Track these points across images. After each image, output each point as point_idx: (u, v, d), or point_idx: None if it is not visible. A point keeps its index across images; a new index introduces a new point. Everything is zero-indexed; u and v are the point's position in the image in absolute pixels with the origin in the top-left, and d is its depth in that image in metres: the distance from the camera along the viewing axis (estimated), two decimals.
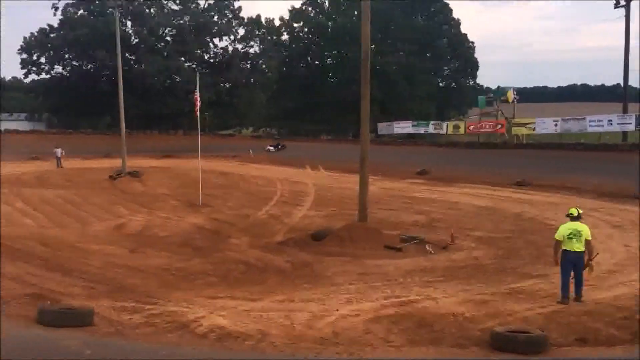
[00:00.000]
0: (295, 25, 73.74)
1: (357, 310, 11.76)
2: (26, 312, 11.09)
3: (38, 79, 67.17)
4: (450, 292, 13.03)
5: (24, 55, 63.63)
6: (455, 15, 73.87)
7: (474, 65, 75.56)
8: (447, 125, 57.72)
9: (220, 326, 10.67)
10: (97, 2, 63.53)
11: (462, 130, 56.03)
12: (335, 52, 72.34)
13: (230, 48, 70.14)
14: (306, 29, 74.15)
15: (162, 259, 17.74)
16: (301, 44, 74.69)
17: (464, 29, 74.60)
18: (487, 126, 53.66)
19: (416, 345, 9.64)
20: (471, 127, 55.60)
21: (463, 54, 73.62)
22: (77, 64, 66.44)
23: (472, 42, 74.57)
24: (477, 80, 77.57)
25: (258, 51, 71.62)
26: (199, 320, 11.10)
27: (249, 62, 70.73)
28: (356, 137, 23.97)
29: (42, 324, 10.23)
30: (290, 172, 39.92)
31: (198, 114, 29.04)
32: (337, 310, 11.80)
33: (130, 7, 62.94)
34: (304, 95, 71.99)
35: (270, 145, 55.03)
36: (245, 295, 13.65)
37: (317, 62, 75.44)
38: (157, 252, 18.77)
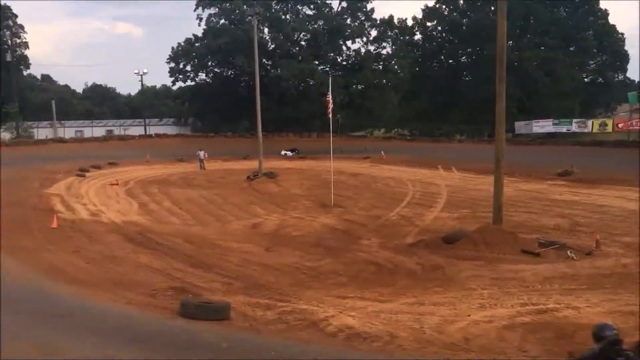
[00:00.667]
0: (429, 24, 72.61)
1: (491, 316, 11.34)
2: (170, 304, 11.88)
3: (184, 86, 71.71)
4: (594, 302, 12.16)
5: (172, 64, 68.24)
6: (602, 5, 68.96)
7: (623, 58, 69.94)
8: (592, 123, 54.06)
9: (349, 326, 10.76)
10: (237, 11, 66.60)
11: (609, 128, 52.18)
12: (470, 49, 70.28)
13: (363, 50, 70.56)
14: (440, 28, 72.74)
15: (295, 258, 18.22)
16: (434, 43, 73.39)
17: (612, 19, 69.50)
18: (638, 124, 49.55)
19: (554, 356, 9.09)
20: (620, 125, 51.66)
21: (611, 46, 68.39)
22: (218, 71, 70.13)
23: (622, 34, 69.12)
24: (627, 75, 71.80)
25: (390, 52, 71.42)
26: (328, 319, 11.26)
27: (381, 63, 70.70)
28: (491, 137, 23.12)
29: (183, 315, 10.91)
30: (423, 173, 39.38)
31: (330, 116, 29.50)
32: (469, 315, 11.45)
33: (268, 14, 65.35)
34: (438, 95, 70.65)
35: (287, 150, 54.93)
36: (374, 296, 13.65)
37: (451, 61, 73.73)
38: (290, 251, 19.31)
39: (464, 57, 73.08)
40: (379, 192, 32.28)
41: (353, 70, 69.02)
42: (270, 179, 37.33)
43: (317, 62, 69.19)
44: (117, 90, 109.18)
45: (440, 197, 29.71)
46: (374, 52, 71.02)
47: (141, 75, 69.65)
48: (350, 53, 71.40)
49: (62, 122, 68.21)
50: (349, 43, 70.56)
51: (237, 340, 9.57)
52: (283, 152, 53.72)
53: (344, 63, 71.77)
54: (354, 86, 68.30)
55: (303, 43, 69.84)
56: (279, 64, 65.24)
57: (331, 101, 29.73)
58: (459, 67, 72.96)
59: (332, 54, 70.42)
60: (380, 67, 70.54)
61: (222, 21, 68.47)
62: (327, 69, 69.03)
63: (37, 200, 26.23)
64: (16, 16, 71.47)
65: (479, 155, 37.90)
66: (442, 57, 74.25)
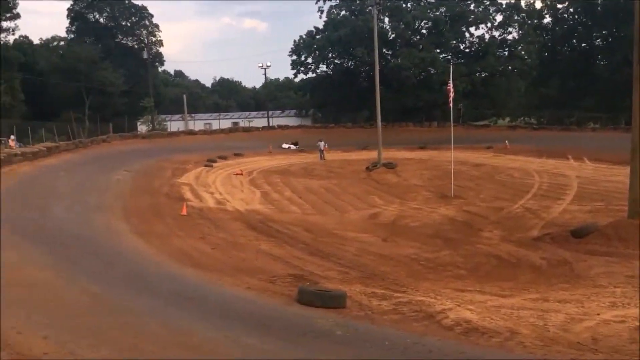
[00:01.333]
0: (559, 6, 68.71)
1: (623, 316, 10.54)
2: (288, 291, 12.17)
3: (305, 78, 73.17)
4: None
5: (294, 57, 69.81)
6: None
7: None
8: None
9: (467, 320, 10.45)
10: (357, 2, 66.79)
11: None
12: (605, 32, 65.64)
13: (487, 36, 68.20)
14: (572, 9, 68.60)
15: (412, 249, 18.03)
16: (565, 26, 69.29)
17: None
18: None
19: None
20: None
21: None
22: (339, 62, 70.80)
23: None
24: None
25: (516, 37, 68.40)
26: (445, 312, 11.02)
27: (506, 49, 67.97)
28: (629, 125, 21.41)
29: (300, 302, 11.14)
30: (550, 163, 37.42)
31: (451, 105, 28.80)
32: (599, 314, 10.72)
33: (388, 4, 64.93)
34: (568, 81, 66.78)
35: (288, 143, 52.76)
36: (495, 290, 13.17)
37: (583, 45, 69.29)
38: (407, 241, 19.13)
39: (598, 40, 68.41)
40: (502, 183, 31.13)
41: (476, 57, 66.94)
42: (389, 169, 37.18)
43: (438, 50, 67.80)
44: (243, 84, 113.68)
45: (570, 188, 28.10)
46: (499, 37, 68.39)
47: (265, 69, 72.03)
48: (474, 40, 69.33)
49: (192, 115, 72.08)
50: (472, 29, 68.50)
51: (351, 329, 9.60)
52: (284, 146, 52.65)
53: (467, 50, 69.78)
54: (477, 74, 66.23)
55: (424, 31, 68.72)
56: (399, 54, 64.66)
57: (452, 90, 29.02)
58: (592, 51, 68.43)
59: (454, 42, 68.68)
60: (506, 53, 67.81)
61: (343, 12, 68.97)
62: (449, 56, 67.44)
63: (169, 189, 27.90)
64: (152, 16, 76.40)
65: (614, 145, 35.35)
66: (574, 41, 69.96)
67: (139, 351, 7.64)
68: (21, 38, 71.84)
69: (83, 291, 10.58)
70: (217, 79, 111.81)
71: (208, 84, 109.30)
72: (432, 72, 63.77)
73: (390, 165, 37.86)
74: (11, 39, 66.21)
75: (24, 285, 10.51)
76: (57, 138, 45.71)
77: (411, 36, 67.11)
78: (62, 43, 76.28)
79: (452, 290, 13.23)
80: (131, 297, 10.70)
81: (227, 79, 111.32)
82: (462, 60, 65.55)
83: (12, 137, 42.31)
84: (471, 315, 10.82)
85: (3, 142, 41.87)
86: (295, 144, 52.69)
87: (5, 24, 62.56)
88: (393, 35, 67.96)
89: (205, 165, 37.65)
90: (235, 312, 10.19)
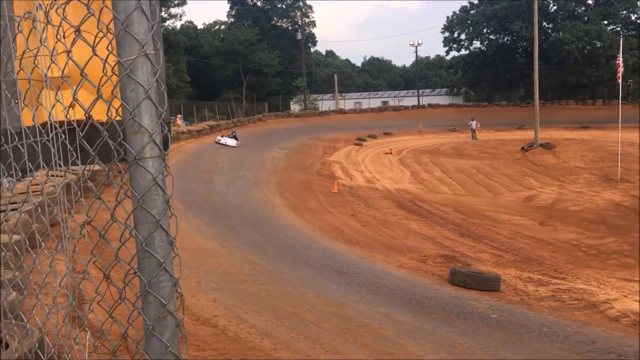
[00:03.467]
0: None
1: None
2: (439, 271, 12.10)
3: (458, 55, 71.08)
4: None
5: (447, 34, 68.06)
6: None
7: None
8: None
9: (635, 312, 9.75)
10: None
11: None
12: None
13: None
14: None
15: (572, 234, 17.05)
16: None
17: None
18: None
19: None
20: None
21: None
22: (494, 38, 67.89)
23: None
24: None
25: None
26: (610, 302, 10.37)
27: None
28: None
29: (452, 283, 11.03)
30: None
31: (620, 81, 26.57)
32: None
33: None
34: None
35: (226, 137, 33.32)
36: None
37: None
38: (567, 226, 18.10)
39: None
40: None
41: None
42: (546, 150, 35.19)
43: (605, 22, 62.52)
44: (393, 62, 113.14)
45: None
46: None
47: (416, 47, 71.00)
48: None
49: (343, 94, 73.18)
50: None
51: (506, 313, 9.34)
52: (222, 140, 32.73)
53: (639, 21, 63.64)
54: None
55: (590, 2, 63.67)
56: (561, 27, 60.55)
57: (622, 64, 26.73)
58: None
59: (624, 12, 62.90)
60: None
61: None
62: (618, 29, 61.94)
63: (320, 166, 28.69)
64: None
65: None
66: None
67: (298, 319, 8.02)
68: (187, 23, 77.14)
69: (244, 260, 11.29)
70: (367, 58, 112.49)
71: (358, 64, 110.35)
72: (597, 45, 59.01)
73: (548, 146, 35.81)
74: (178, 24, 71.38)
75: (194, 253, 11.42)
76: (218, 117, 48.74)
77: (575, 7, 62.45)
78: (222, 27, 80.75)
79: (618, 279, 12.37)
80: (287, 268, 11.23)
81: (377, 58, 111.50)
82: (633, 32, 59.90)
83: (179, 116, 45.82)
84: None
85: (172, 121, 45.48)
86: (234, 137, 33.09)
87: (173, 11, 67.54)
88: (555, 7, 63.69)
89: (355, 144, 38.15)
90: (387, 289, 10.32)
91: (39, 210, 2.27)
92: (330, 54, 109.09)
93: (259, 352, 6.68)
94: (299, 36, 70.29)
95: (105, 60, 1.61)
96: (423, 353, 7.26)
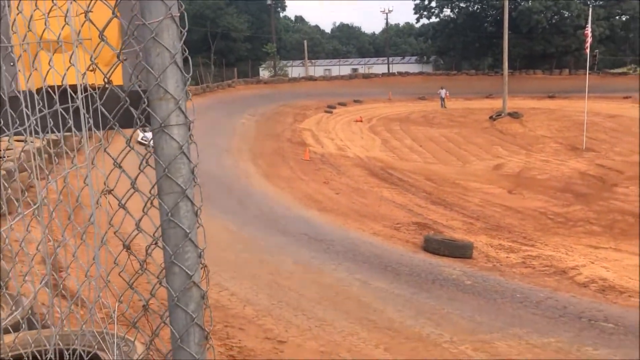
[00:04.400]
0: None
1: None
2: (413, 238, 12.26)
3: (428, 23, 70.90)
4: None
5: (417, 1, 67.74)
6: None
7: None
8: None
9: (602, 278, 10.07)
10: None
11: None
12: None
13: None
14: None
15: (539, 202, 17.40)
16: None
17: None
18: None
19: None
20: None
21: None
22: (464, 6, 67.85)
23: None
24: None
25: None
26: (578, 268, 10.67)
27: None
28: None
29: (426, 250, 11.19)
30: None
31: (588, 51, 26.92)
32: None
33: None
34: None
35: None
36: (633, 249, 12.47)
37: None
38: (534, 194, 18.46)
39: None
40: None
41: None
42: (514, 119, 35.64)
43: None
44: (362, 29, 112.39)
45: None
46: None
47: (387, 14, 70.68)
48: None
49: (313, 61, 72.59)
50: None
51: (480, 279, 9.55)
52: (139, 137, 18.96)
53: None
54: (617, 17, 61.02)
55: None
56: None
57: (589, 34, 27.04)
58: None
59: None
60: None
61: None
62: None
63: (291, 134, 28.56)
64: None
65: None
66: None
67: (278, 286, 8.06)
68: None
69: (223, 228, 11.24)
70: (337, 24, 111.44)
71: (328, 30, 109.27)
72: (565, 15, 59.50)
73: (515, 115, 36.25)
74: None
75: None
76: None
77: None
78: None
79: (585, 246, 12.72)
80: (265, 236, 11.24)
81: (347, 25, 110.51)
82: (601, 2, 60.53)
83: None
84: (607, 274, 10.39)
85: None
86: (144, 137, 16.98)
87: None
88: None
89: (326, 112, 38.02)
90: (363, 256, 10.42)
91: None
92: (299, 19, 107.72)
93: (242, 319, 6.70)
94: (268, 0, 69.13)
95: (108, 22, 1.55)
96: (403, 319, 7.39)
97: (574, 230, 14.62)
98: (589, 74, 29.50)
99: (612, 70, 61.12)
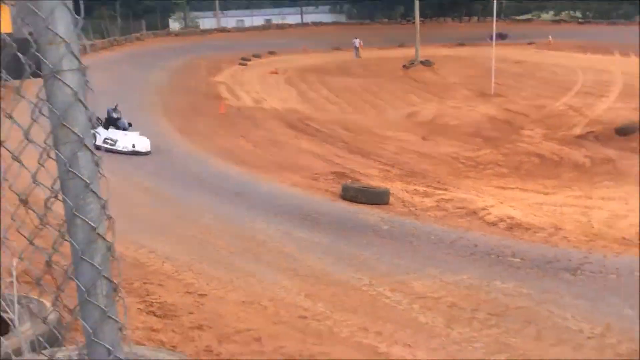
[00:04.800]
0: None
1: None
2: (332, 187, 12.41)
3: None
4: None
5: None
6: None
7: None
8: None
9: (510, 216, 10.60)
10: None
11: None
12: None
13: None
14: None
15: (452, 147, 18.02)
16: None
17: None
18: None
19: None
20: None
21: None
22: None
23: None
24: None
25: None
26: (488, 208, 11.16)
27: None
28: None
29: (344, 198, 11.38)
30: (595, 59, 36.04)
31: None
32: None
33: None
34: None
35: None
36: (537, 188, 13.24)
37: None
38: (447, 140, 19.09)
39: None
40: (544, 81, 30.26)
41: None
42: (426, 67, 36.35)
43: None
44: None
45: (615, 86, 27.22)
46: None
47: None
48: None
49: (224, 12, 70.60)
50: None
51: (397, 224, 9.85)
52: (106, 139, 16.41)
53: None
54: None
55: None
56: None
57: None
58: None
59: None
60: None
61: None
62: None
63: (206, 87, 27.94)
64: None
65: None
66: None
67: (197, 241, 8.00)
68: None
69: (137, 186, 10.96)
70: None
71: None
72: None
73: (427, 63, 36.96)
74: None
75: None
76: (92, 36, 45.53)
77: None
78: None
79: (494, 187, 13.34)
80: (182, 192, 11.06)
81: None
82: None
83: None
84: (514, 212, 10.95)
85: None
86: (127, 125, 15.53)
87: None
88: None
89: (240, 64, 37.30)
90: (283, 207, 10.47)
91: None
92: None
93: (161, 275, 6.63)
94: None
95: None
96: (323, 266, 7.55)
97: (484, 173, 15.29)
98: (496, 20, 30.37)
99: (517, 17, 63.13)
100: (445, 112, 24.03)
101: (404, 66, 36.97)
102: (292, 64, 39.33)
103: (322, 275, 7.19)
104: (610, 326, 5.89)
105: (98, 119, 13.76)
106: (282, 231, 8.87)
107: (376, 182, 13.35)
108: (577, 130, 19.26)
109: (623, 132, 17.48)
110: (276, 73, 34.51)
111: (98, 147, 13.02)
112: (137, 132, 14.79)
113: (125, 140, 14.41)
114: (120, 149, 14.20)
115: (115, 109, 15.28)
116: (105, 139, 14.34)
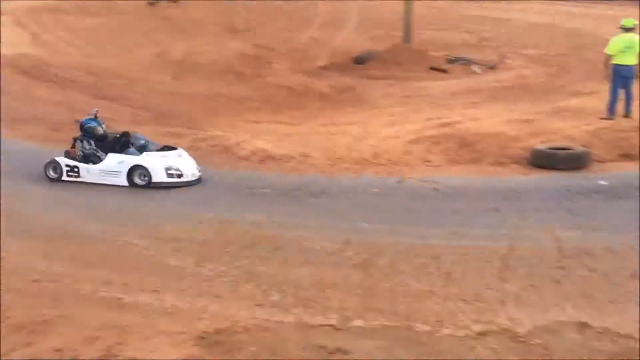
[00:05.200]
0: None
1: (399, 132, 11.73)
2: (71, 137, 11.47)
3: None
4: (494, 113, 12.80)
5: None
6: None
7: None
8: None
9: (262, 149, 10.88)
10: None
11: None
12: None
13: None
14: None
15: (204, 86, 17.78)
16: None
17: None
18: None
19: (455, 164, 9.70)
20: None
21: None
22: None
23: None
24: None
25: None
26: (240, 143, 11.32)
27: None
28: None
29: None
30: None
31: None
32: (379, 132, 11.80)
33: None
34: None
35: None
36: (287, 119, 13.76)
37: None
38: (199, 79, 18.76)
39: None
40: (289, 15, 31.08)
41: None
42: (173, 3, 35.00)
43: None
44: None
45: (351, 18, 29.07)
46: None
47: None
48: None
49: None
50: None
51: None
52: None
53: None
54: None
55: None
56: None
57: None
58: None
59: None
60: None
61: None
62: None
63: None
64: None
65: None
66: None
67: None
68: None
69: None
70: None
71: None
72: None
73: None
74: None
75: None
76: None
77: None
78: None
79: (247, 122, 13.57)
80: None
81: None
82: None
83: None
84: (266, 145, 11.25)
85: None
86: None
87: None
88: None
89: None
90: (18, 164, 9.44)
91: None
92: None
93: None
94: None
95: None
96: (63, 223, 6.98)
97: (236, 109, 15.38)
98: None
99: None
100: (196, 49, 23.51)
101: (149, 3, 35.17)
102: (18, 4, 35.07)
103: (61, 234, 6.68)
104: (349, 240, 6.41)
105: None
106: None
107: (127, 127, 12.67)
108: (321, 62, 20.28)
109: (360, 60, 18.90)
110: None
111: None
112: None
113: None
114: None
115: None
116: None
